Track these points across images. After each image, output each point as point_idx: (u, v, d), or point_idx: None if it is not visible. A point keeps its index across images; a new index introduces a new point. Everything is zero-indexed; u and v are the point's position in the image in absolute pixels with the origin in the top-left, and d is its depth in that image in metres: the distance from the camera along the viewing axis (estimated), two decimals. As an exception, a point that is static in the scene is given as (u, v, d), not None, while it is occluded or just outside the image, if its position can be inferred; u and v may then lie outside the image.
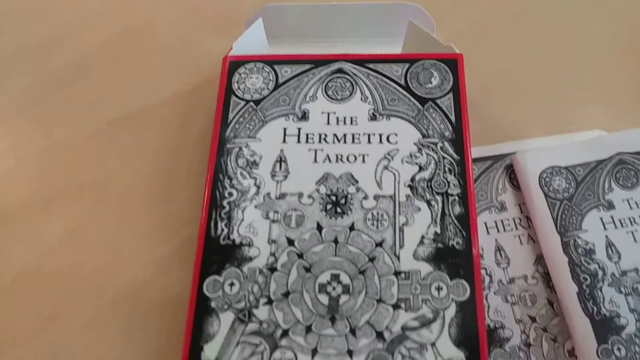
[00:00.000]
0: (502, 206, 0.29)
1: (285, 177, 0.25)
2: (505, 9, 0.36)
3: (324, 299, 0.23)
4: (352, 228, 0.24)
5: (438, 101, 0.26)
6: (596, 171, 0.28)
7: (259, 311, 0.22)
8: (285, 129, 0.26)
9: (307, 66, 0.27)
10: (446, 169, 0.25)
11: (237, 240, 0.24)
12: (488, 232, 0.28)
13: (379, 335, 0.22)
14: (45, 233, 0.29)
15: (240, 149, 0.26)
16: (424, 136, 0.26)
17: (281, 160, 0.25)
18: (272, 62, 0.28)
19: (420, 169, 0.25)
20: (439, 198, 0.24)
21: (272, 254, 0.23)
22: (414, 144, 0.25)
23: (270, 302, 0.23)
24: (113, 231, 0.29)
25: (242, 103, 0.27)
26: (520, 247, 0.28)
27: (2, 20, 0.37)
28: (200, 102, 0.33)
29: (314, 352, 0.22)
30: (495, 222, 0.28)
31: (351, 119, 0.26)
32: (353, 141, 0.26)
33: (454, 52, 0.27)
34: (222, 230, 0.24)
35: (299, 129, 0.26)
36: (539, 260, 0.27)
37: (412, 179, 0.25)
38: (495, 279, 0.27)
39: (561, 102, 0.32)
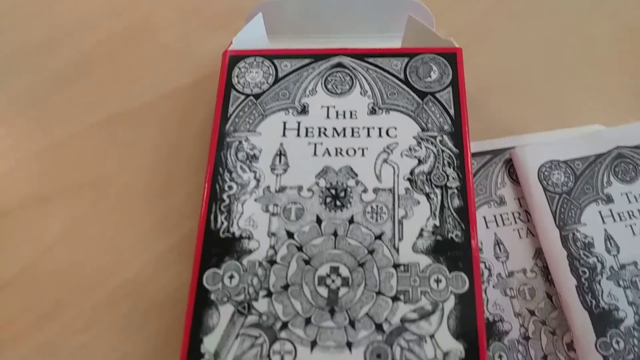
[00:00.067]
0: (501, 200, 0.29)
1: (285, 170, 0.25)
2: (504, 6, 0.36)
3: (323, 291, 0.23)
4: (351, 221, 0.24)
5: (437, 95, 0.26)
6: (595, 165, 0.28)
7: (258, 304, 0.23)
8: (285, 123, 0.26)
9: (307, 60, 0.27)
10: (445, 162, 0.25)
11: (237, 233, 0.24)
12: (487, 226, 0.28)
13: (378, 327, 0.22)
14: (45, 231, 0.29)
15: (240, 142, 0.26)
16: (423, 130, 0.26)
17: (281, 153, 0.25)
18: (271, 56, 0.28)
19: (420, 162, 0.25)
20: (438, 191, 0.24)
21: (272, 247, 0.24)
22: (413, 137, 0.25)
23: (269, 294, 0.23)
24: (113, 229, 0.29)
25: (242, 97, 0.27)
26: (519, 240, 0.28)
27: (2, 20, 0.37)
28: (200, 97, 0.33)
29: (314, 344, 0.22)
30: (495, 216, 0.28)
31: (351, 112, 0.26)
32: (352, 135, 0.26)
33: (453, 46, 0.27)
34: (222, 223, 0.24)
35: (299, 123, 0.26)
36: (538, 254, 0.27)
37: (412, 172, 0.25)
38: (494, 273, 0.27)
39: (560, 97, 0.32)
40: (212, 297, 0.23)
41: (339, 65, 0.27)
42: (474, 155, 0.30)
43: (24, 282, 0.28)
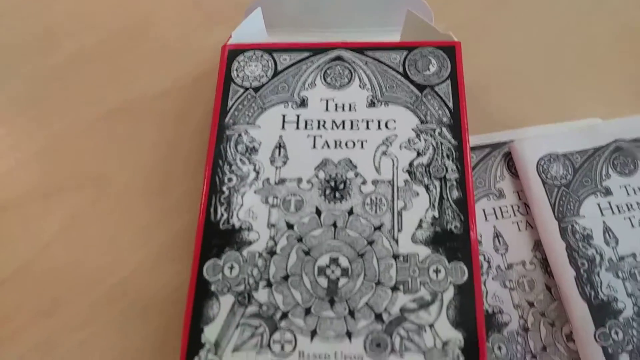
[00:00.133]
0: (500, 193, 0.29)
1: (285, 162, 0.25)
2: (503, 1, 0.36)
3: (323, 281, 0.23)
4: (350, 212, 0.24)
5: (436, 88, 0.26)
6: (594, 158, 0.28)
7: (258, 294, 0.23)
8: (284, 116, 0.26)
9: (306, 54, 0.28)
10: (444, 154, 0.25)
11: (237, 225, 0.24)
12: (486, 219, 0.28)
13: (378, 317, 0.22)
14: (43, 228, 0.29)
15: (240, 135, 0.26)
16: (422, 122, 0.26)
17: (280, 146, 0.26)
18: (271, 50, 0.28)
19: (419, 154, 0.25)
20: (437, 183, 0.24)
21: (272, 238, 0.24)
22: (412, 129, 0.26)
23: (269, 285, 0.23)
24: (111, 226, 0.29)
25: (241, 90, 0.27)
26: (519, 233, 0.28)
27: (2, 20, 0.37)
28: (200, 93, 0.33)
29: (313, 333, 0.22)
30: (494, 209, 0.28)
31: (350, 105, 0.26)
32: (352, 127, 0.26)
33: (452, 40, 0.27)
34: (222, 215, 0.24)
35: (298, 116, 0.26)
36: (537, 246, 0.27)
37: (411, 164, 0.25)
38: (493, 265, 0.27)
39: (559, 92, 0.32)
40: (213, 287, 0.23)
41: (338, 58, 0.27)
42: (473, 149, 0.30)
43: (23, 279, 0.28)
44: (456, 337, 0.22)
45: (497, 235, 0.28)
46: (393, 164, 0.25)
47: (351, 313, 0.22)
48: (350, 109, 0.26)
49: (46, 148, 0.32)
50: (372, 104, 0.26)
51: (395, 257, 0.23)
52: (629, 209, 0.27)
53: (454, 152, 0.25)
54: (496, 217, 0.28)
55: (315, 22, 0.31)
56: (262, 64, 0.27)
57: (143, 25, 0.36)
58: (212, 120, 0.26)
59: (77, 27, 0.36)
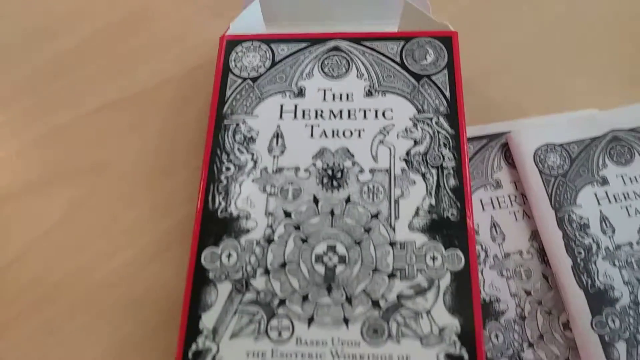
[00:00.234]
0: (497, 184, 0.29)
1: (282, 152, 0.25)
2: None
3: (320, 268, 0.23)
4: (348, 200, 0.24)
5: (433, 77, 0.26)
6: (590, 148, 0.29)
7: (256, 281, 0.23)
8: (282, 106, 0.26)
9: (304, 44, 0.28)
10: (441, 143, 0.25)
11: (235, 213, 0.24)
12: (483, 209, 0.28)
13: (375, 304, 0.22)
14: (45, 215, 0.30)
15: (238, 125, 0.26)
16: (419, 111, 0.26)
17: (278, 135, 0.26)
18: (268, 40, 0.28)
19: (416, 143, 0.25)
20: (434, 171, 0.24)
21: (269, 226, 0.24)
22: (410, 119, 0.26)
23: (267, 272, 0.23)
24: (112, 213, 0.30)
25: (239, 81, 0.27)
26: (516, 223, 0.28)
27: (1, 9, 0.37)
28: (199, 84, 0.33)
29: (311, 320, 0.22)
30: (491, 199, 0.29)
31: (347, 95, 0.26)
32: (349, 117, 0.26)
33: (448, 30, 0.27)
34: (220, 203, 0.24)
35: (296, 106, 0.26)
36: (534, 235, 0.27)
37: (408, 153, 0.25)
38: (490, 254, 0.27)
39: (556, 83, 0.32)
40: (210, 275, 0.23)
41: (336, 48, 0.28)
42: (471, 139, 0.30)
43: (25, 264, 0.28)
44: (453, 323, 0.22)
45: (494, 225, 0.28)
46: (390, 153, 0.25)
47: (348, 300, 0.22)
48: (347, 99, 0.26)
49: (47, 137, 0.32)
50: (369, 94, 0.26)
51: (392, 244, 0.23)
52: (625, 198, 0.27)
53: (450, 140, 0.25)
54: (493, 207, 0.28)
55: (312, 14, 0.31)
56: (260, 55, 0.28)
57: (142, 17, 0.36)
58: (210, 110, 0.26)
59: (77, 18, 0.36)
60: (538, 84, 0.32)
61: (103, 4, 0.37)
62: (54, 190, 0.30)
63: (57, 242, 0.29)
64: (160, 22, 0.36)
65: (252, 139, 0.26)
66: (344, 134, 0.26)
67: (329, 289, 0.22)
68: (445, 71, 0.26)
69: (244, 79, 0.27)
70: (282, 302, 0.22)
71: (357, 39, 0.28)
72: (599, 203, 0.27)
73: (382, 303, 0.22)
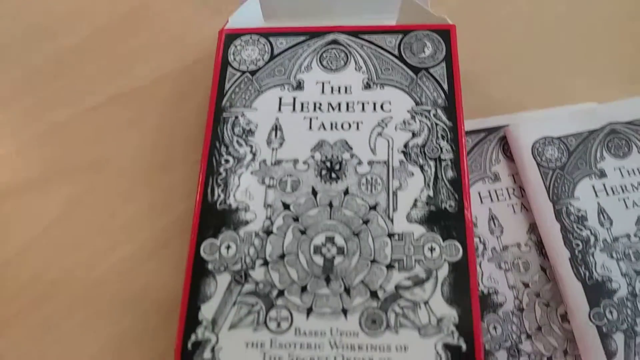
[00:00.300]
0: (495, 177, 0.29)
1: (281, 144, 0.25)
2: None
3: (319, 260, 0.23)
4: (346, 192, 0.24)
5: (431, 70, 0.26)
6: (588, 141, 0.29)
7: (255, 272, 0.23)
8: (280, 98, 0.26)
9: (302, 38, 0.28)
10: (439, 135, 0.25)
11: (234, 205, 0.24)
12: (482, 202, 0.28)
13: (373, 294, 0.22)
14: (44, 212, 0.30)
15: (237, 117, 0.26)
16: (417, 104, 0.26)
17: (277, 128, 0.26)
18: (267, 34, 0.28)
19: (414, 135, 0.25)
20: (432, 163, 0.25)
21: (268, 218, 0.24)
22: (408, 111, 0.26)
23: (266, 263, 0.23)
24: (111, 208, 0.30)
25: (238, 74, 0.27)
26: (514, 215, 0.28)
27: (1, 7, 0.37)
28: (198, 79, 0.33)
29: (309, 310, 0.22)
30: (489, 192, 0.29)
31: (345, 88, 0.27)
32: (347, 109, 0.26)
33: (446, 23, 0.28)
34: (219, 195, 0.24)
35: (294, 98, 0.26)
36: (532, 228, 0.28)
37: (406, 145, 0.25)
38: (489, 247, 0.27)
39: (554, 76, 0.32)
40: (210, 266, 0.23)
41: (334, 42, 0.28)
42: (469, 133, 0.30)
43: (24, 261, 0.28)
44: (450, 313, 0.22)
45: (492, 218, 0.28)
46: (388, 145, 0.25)
47: (347, 290, 0.22)
48: (346, 92, 0.26)
49: (46, 134, 0.32)
50: (367, 87, 0.27)
51: (391, 235, 0.23)
52: (623, 191, 0.27)
53: (448, 133, 0.25)
54: (491, 200, 0.28)
55: (311, 9, 0.31)
56: (259, 48, 0.28)
57: (141, 12, 0.36)
58: (209, 103, 0.26)
59: (76, 15, 0.36)
60: (536, 77, 0.32)
61: (102, 0, 0.37)
62: (52, 187, 0.30)
63: (55, 239, 0.29)
64: (159, 18, 0.36)
65: (251, 132, 0.26)
66: (342, 126, 0.26)
67: (328, 280, 0.23)
68: (443, 64, 0.27)
69: (243, 72, 0.27)
70: (281, 293, 0.22)
71: (356, 32, 0.28)
72: (596, 195, 0.27)
73: (380, 294, 0.22)
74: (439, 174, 0.24)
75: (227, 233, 0.24)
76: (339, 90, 0.27)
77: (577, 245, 0.26)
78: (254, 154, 0.25)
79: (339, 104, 0.26)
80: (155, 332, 0.26)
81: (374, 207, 0.24)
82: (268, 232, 0.24)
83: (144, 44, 0.35)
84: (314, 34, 0.28)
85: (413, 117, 0.26)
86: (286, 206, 0.24)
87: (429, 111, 0.26)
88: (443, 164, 0.24)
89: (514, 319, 0.26)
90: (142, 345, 0.26)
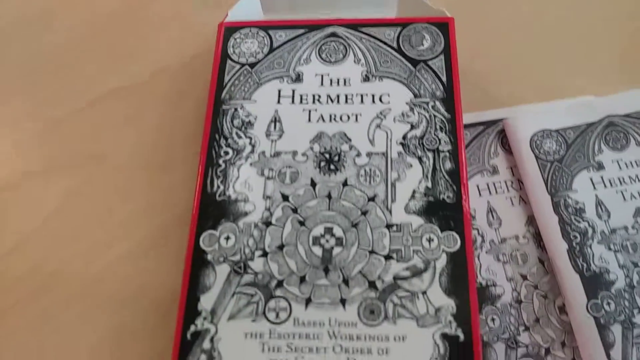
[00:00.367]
0: (494, 169, 0.29)
1: (280, 136, 0.26)
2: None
3: (317, 250, 0.23)
4: (345, 184, 0.24)
5: (430, 62, 0.27)
6: (586, 134, 0.29)
7: (254, 263, 0.23)
8: (279, 91, 0.27)
9: (301, 30, 0.28)
10: (437, 126, 0.25)
11: (233, 197, 0.24)
12: (480, 195, 0.29)
13: (372, 285, 0.22)
14: (42, 205, 0.30)
15: (236, 110, 0.26)
16: (415, 96, 0.26)
17: (276, 120, 0.26)
18: (266, 27, 0.28)
19: (412, 127, 0.25)
20: (430, 154, 0.25)
21: (267, 209, 0.24)
22: (406, 103, 0.26)
23: (265, 254, 0.23)
24: (111, 202, 0.30)
25: (238, 66, 0.27)
26: (512, 208, 0.28)
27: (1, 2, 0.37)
28: (197, 73, 0.33)
29: (308, 301, 0.22)
30: (487, 185, 0.29)
31: (344, 80, 0.27)
32: (346, 101, 0.26)
33: (445, 15, 0.28)
34: (218, 187, 0.25)
35: (293, 91, 0.27)
36: (530, 220, 0.28)
37: (404, 137, 0.25)
38: (487, 239, 0.27)
39: (552, 70, 0.32)
40: (209, 257, 0.23)
41: (333, 35, 0.28)
42: (467, 126, 0.30)
43: (22, 254, 0.29)
44: (448, 303, 0.22)
45: (490, 210, 0.28)
46: (387, 137, 0.25)
47: (345, 281, 0.22)
48: (345, 84, 0.27)
49: (45, 128, 0.32)
50: (366, 79, 0.27)
51: (389, 226, 0.23)
52: (621, 183, 0.28)
53: (447, 124, 0.25)
54: (490, 193, 0.29)
55: (310, 3, 0.31)
56: (258, 41, 0.28)
57: (140, 7, 0.36)
58: (209, 96, 0.27)
59: (76, 7, 0.36)
60: (535, 71, 0.32)
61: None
62: (51, 180, 0.30)
63: (54, 231, 0.29)
64: (157, 13, 0.36)
65: (250, 124, 0.26)
66: (341, 118, 0.26)
67: (326, 271, 0.23)
68: (442, 56, 0.27)
69: (242, 65, 0.27)
70: (279, 284, 0.23)
71: (355, 25, 0.28)
72: (594, 188, 0.27)
73: (378, 284, 0.22)
74: (437, 165, 0.24)
75: (226, 224, 0.24)
76: (338, 83, 0.27)
77: (575, 237, 0.26)
78: (253, 146, 0.25)
79: (338, 96, 0.26)
80: (154, 324, 0.26)
81: (372, 199, 0.24)
82: (267, 223, 0.24)
83: (143, 39, 0.35)
84: (313, 26, 0.28)
85: (411, 109, 0.26)
86: (285, 197, 0.24)
87: (427, 103, 0.26)
88: (441, 155, 0.25)
89: (512, 311, 0.26)
90: (141, 336, 0.26)
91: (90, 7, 0.36)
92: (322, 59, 0.27)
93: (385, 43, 0.27)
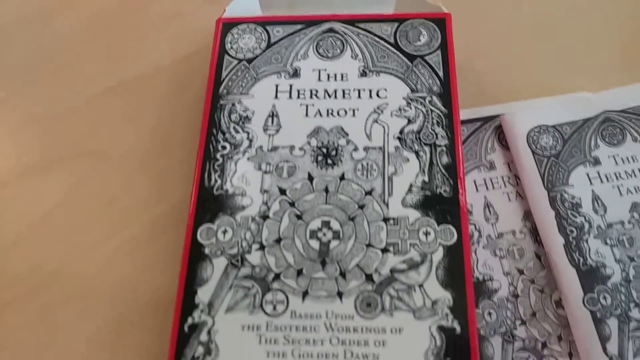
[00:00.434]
0: (491, 165, 0.29)
1: (277, 130, 0.26)
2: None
3: (314, 244, 0.23)
4: (342, 178, 0.24)
5: (427, 58, 0.27)
6: (583, 129, 0.29)
7: (251, 256, 0.23)
8: (277, 86, 0.27)
9: (299, 26, 0.28)
10: (434, 121, 0.25)
11: (230, 191, 0.24)
12: (477, 190, 0.29)
13: (368, 278, 0.22)
14: (43, 200, 0.30)
15: (233, 105, 0.26)
16: (412, 91, 0.26)
17: (273, 115, 0.26)
18: (264, 23, 0.28)
19: (409, 121, 0.25)
20: (427, 149, 0.25)
21: (265, 203, 0.24)
22: (403, 98, 0.26)
23: (262, 247, 0.23)
24: (110, 196, 0.30)
25: (235, 62, 0.27)
26: (509, 203, 0.28)
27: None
28: (195, 69, 0.33)
29: (305, 293, 0.22)
30: (485, 180, 0.29)
31: (342, 75, 0.27)
32: (343, 96, 0.26)
33: (442, 11, 0.28)
34: (216, 181, 0.25)
35: (291, 86, 0.27)
36: (527, 215, 0.28)
37: (401, 132, 0.25)
38: (484, 234, 0.27)
39: (548, 66, 0.32)
40: (206, 250, 0.23)
41: (330, 30, 0.28)
42: (465, 122, 0.30)
43: (22, 248, 0.29)
44: (445, 296, 0.22)
45: (487, 206, 0.28)
46: (384, 131, 0.25)
47: (342, 274, 0.23)
48: (342, 79, 0.27)
49: (45, 123, 0.32)
50: (363, 74, 0.27)
51: (386, 220, 0.23)
52: (617, 178, 0.28)
53: (444, 119, 0.25)
54: (487, 188, 0.29)
55: (308, 0, 0.31)
56: (256, 37, 0.28)
57: (140, 3, 0.36)
58: (207, 91, 0.27)
59: (75, 3, 0.36)
60: (532, 67, 0.32)
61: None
62: (52, 174, 0.30)
63: (54, 226, 0.29)
64: (158, 6, 0.36)
65: (247, 118, 0.26)
66: (338, 113, 0.26)
67: (323, 264, 0.23)
68: (439, 52, 0.27)
69: (240, 60, 0.27)
70: (277, 277, 0.23)
71: (352, 20, 0.28)
72: (591, 183, 0.28)
73: (375, 277, 0.22)
74: (434, 159, 0.24)
75: (223, 218, 0.24)
76: (335, 78, 0.27)
77: (572, 231, 0.26)
78: (251, 140, 0.25)
79: (335, 91, 0.26)
80: (152, 317, 0.26)
81: (369, 192, 0.24)
82: (264, 217, 0.24)
83: (142, 37, 0.35)
84: (310, 22, 0.28)
85: (408, 104, 0.26)
86: (282, 191, 0.24)
87: (424, 98, 0.26)
88: (438, 149, 0.25)
89: (509, 305, 0.26)
90: (139, 329, 0.26)
91: (90, 5, 0.36)
92: (319, 54, 0.27)
93: (382, 38, 0.27)
